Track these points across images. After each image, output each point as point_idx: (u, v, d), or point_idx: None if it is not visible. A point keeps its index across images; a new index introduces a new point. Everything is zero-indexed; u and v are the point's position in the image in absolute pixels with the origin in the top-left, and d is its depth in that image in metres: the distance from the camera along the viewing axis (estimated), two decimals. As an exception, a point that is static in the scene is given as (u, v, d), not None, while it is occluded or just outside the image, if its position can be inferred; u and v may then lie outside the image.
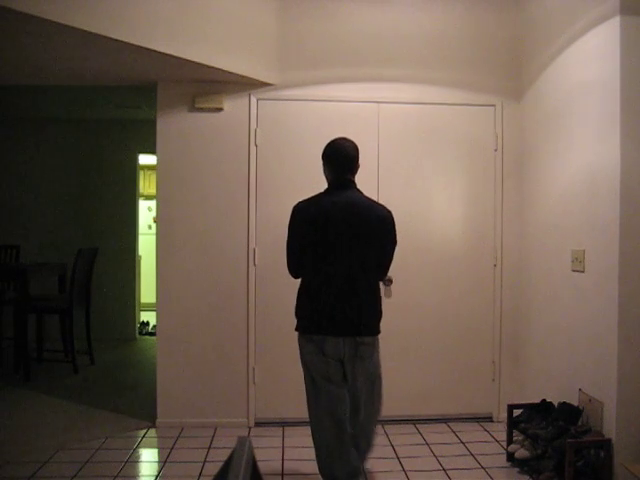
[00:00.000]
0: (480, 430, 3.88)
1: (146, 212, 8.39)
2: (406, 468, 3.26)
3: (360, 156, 2.80)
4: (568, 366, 3.31)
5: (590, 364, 3.07)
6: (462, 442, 3.65)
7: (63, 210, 6.57)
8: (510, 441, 3.34)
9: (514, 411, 3.39)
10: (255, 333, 3.91)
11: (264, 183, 3.94)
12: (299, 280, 2.86)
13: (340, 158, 2.78)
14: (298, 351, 2.78)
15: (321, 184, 4.15)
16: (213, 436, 3.72)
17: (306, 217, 2.75)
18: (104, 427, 3.87)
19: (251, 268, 3.91)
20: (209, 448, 3.53)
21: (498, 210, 4.03)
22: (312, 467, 3.14)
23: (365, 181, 3.93)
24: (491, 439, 3.72)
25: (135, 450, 3.57)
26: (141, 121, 6.04)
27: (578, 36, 3.24)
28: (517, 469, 3.24)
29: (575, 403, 3.15)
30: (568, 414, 3.08)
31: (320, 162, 2.86)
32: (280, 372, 3.87)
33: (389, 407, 4.00)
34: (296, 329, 2.77)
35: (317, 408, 2.73)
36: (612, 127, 2.89)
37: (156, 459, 3.54)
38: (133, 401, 4.43)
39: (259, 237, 3.92)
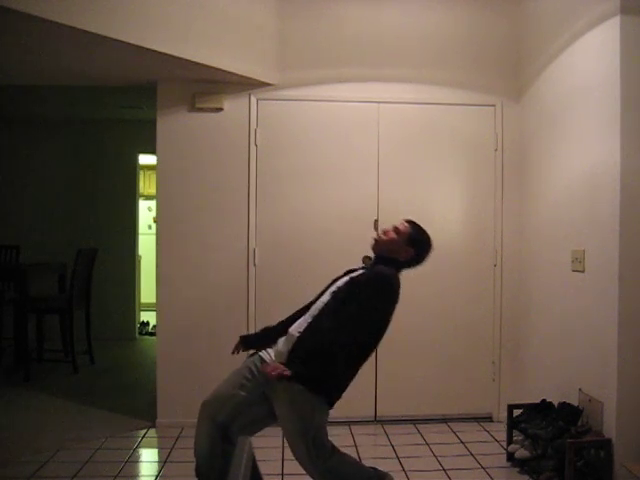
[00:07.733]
0: (480, 430, 3.88)
1: (146, 212, 8.39)
2: (406, 468, 3.26)
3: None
4: (568, 366, 3.31)
5: (590, 364, 3.07)
6: (462, 442, 3.65)
7: (63, 210, 6.56)
8: (510, 441, 3.34)
9: (514, 411, 3.39)
10: (255, 333, 3.91)
11: (264, 183, 3.94)
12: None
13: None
14: None
15: (321, 183, 4.14)
16: (213, 436, 3.72)
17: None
18: (104, 427, 3.87)
19: (251, 268, 3.91)
20: (209, 448, 3.53)
21: (498, 210, 4.03)
22: (312, 467, 3.14)
23: (365, 181, 3.97)
24: (491, 439, 3.72)
25: (135, 450, 3.57)
26: (141, 121, 6.03)
27: (578, 36, 3.24)
28: (517, 469, 3.24)
29: (575, 403, 3.15)
30: (568, 414, 3.08)
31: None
32: (280, 372, 3.86)
33: (389, 407, 4.02)
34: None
35: None
36: (612, 127, 2.89)
37: (156, 459, 3.55)
38: (133, 401, 4.43)
39: (259, 237, 3.92)
